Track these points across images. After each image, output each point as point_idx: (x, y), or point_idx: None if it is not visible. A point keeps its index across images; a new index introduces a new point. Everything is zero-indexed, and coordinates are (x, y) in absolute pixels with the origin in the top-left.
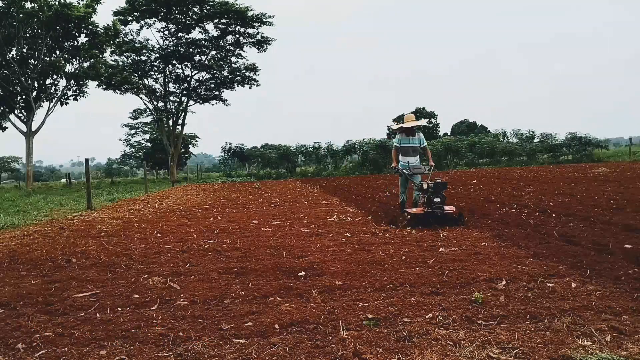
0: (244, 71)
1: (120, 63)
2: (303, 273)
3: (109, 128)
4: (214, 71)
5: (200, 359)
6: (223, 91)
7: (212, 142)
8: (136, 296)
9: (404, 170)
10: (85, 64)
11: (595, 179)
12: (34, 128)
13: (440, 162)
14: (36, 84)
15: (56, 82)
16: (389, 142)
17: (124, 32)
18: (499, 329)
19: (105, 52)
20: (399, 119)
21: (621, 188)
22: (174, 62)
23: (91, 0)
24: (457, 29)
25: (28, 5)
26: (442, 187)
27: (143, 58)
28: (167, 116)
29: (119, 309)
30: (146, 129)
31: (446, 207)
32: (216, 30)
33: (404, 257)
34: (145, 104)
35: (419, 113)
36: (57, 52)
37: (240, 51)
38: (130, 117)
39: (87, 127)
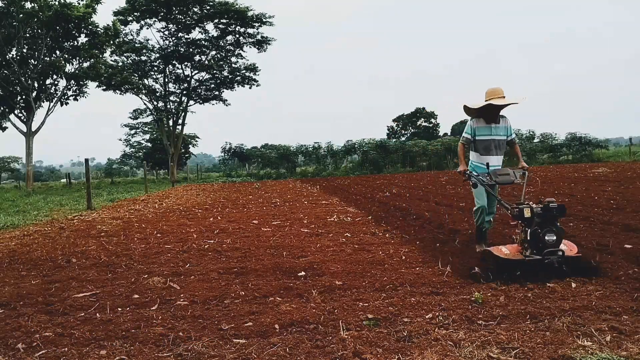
0: (244, 71)
1: (120, 63)
2: (303, 273)
3: (109, 128)
4: (214, 71)
5: (200, 359)
6: (223, 91)
7: (212, 142)
8: (136, 296)
9: (481, 178)
10: (85, 64)
11: (595, 179)
12: (34, 128)
13: (441, 162)
14: (36, 84)
15: (56, 82)
16: (389, 142)
17: (124, 32)
18: (499, 329)
19: (105, 52)
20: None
21: (621, 188)
22: (174, 62)
23: (91, 0)
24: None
25: (28, 5)
26: (559, 213)
27: (143, 58)
28: (167, 116)
29: (119, 309)
30: (146, 129)
31: (565, 248)
32: (216, 30)
33: (404, 257)
34: (145, 104)
35: (419, 113)
36: (57, 52)
37: (240, 51)
38: (130, 117)
39: (87, 127)
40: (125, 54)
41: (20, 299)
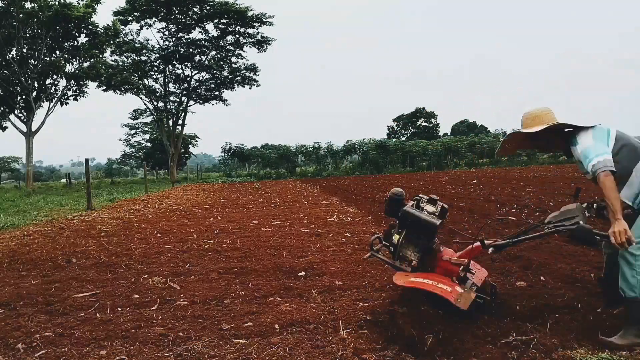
0: (244, 71)
1: (120, 63)
2: (303, 273)
3: (109, 128)
4: (214, 71)
5: (200, 359)
6: (223, 91)
7: (212, 142)
8: (136, 296)
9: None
10: (85, 64)
11: None
12: (34, 128)
13: (441, 162)
14: (36, 84)
15: (56, 82)
16: (389, 142)
17: (124, 32)
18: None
19: (105, 52)
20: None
21: None
22: (174, 62)
23: (91, 0)
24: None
25: (28, 5)
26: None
27: (143, 58)
28: (167, 116)
29: (119, 309)
30: (146, 129)
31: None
32: (216, 31)
33: None
34: (145, 104)
35: (419, 113)
36: (57, 52)
37: (240, 51)
38: (130, 117)
39: (87, 127)
40: (125, 54)
41: (20, 299)
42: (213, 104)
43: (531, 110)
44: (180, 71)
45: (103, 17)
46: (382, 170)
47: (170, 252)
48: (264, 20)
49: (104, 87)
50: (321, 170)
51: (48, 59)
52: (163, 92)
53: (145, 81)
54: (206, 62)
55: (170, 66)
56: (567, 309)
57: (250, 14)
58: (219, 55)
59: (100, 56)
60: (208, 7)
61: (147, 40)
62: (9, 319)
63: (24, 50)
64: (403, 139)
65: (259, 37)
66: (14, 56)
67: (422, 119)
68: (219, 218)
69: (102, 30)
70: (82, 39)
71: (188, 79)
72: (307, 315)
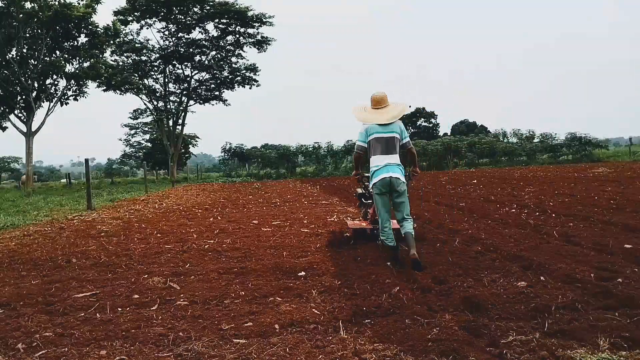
0: (244, 71)
1: (121, 63)
2: (303, 273)
3: (109, 128)
4: (214, 71)
5: (200, 359)
6: (223, 91)
7: (212, 142)
8: (136, 296)
9: None
10: (85, 64)
11: (595, 179)
12: (34, 128)
13: (441, 162)
14: (36, 84)
15: (56, 82)
16: None
17: (124, 32)
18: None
19: (105, 52)
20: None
21: (621, 188)
22: (174, 62)
23: (91, 0)
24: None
25: (28, 5)
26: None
27: (143, 58)
28: (167, 116)
29: (119, 309)
30: (146, 129)
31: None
32: (216, 31)
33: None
34: (145, 104)
35: (419, 113)
36: (57, 52)
37: (240, 51)
38: (130, 117)
39: (87, 127)
40: (125, 54)
41: (20, 299)
42: (213, 104)
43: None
44: (180, 71)
45: (103, 17)
46: None
47: (170, 252)
48: (264, 20)
49: (104, 87)
50: (321, 170)
51: (48, 59)
52: (163, 92)
53: (146, 81)
54: (206, 62)
55: (170, 66)
56: (567, 309)
57: (250, 14)
58: (219, 55)
59: (100, 56)
60: (208, 7)
61: (147, 40)
62: (9, 319)
63: (24, 50)
64: None
65: (259, 37)
66: (14, 56)
67: (422, 119)
68: (219, 218)
69: (102, 30)
70: (82, 39)
71: (188, 79)
72: (307, 315)
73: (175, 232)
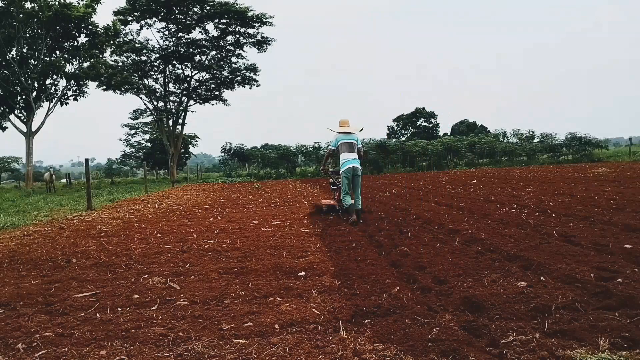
0: (244, 71)
1: (120, 63)
2: (303, 273)
3: (109, 128)
4: (214, 71)
5: (200, 359)
6: (223, 91)
7: (212, 142)
8: (136, 296)
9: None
10: (85, 64)
11: (595, 179)
12: (34, 128)
13: (441, 162)
14: (36, 84)
15: (56, 82)
16: (389, 142)
17: (124, 32)
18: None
19: (105, 52)
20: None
21: (621, 188)
22: (174, 62)
23: (91, 0)
24: (456, 28)
25: (28, 5)
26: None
27: (143, 58)
28: (167, 116)
29: (119, 309)
30: (146, 129)
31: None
32: (216, 31)
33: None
34: (145, 104)
35: (419, 113)
36: (57, 52)
37: (241, 51)
38: (130, 117)
39: (87, 127)
40: (125, 54)
41: (20, 299)
42: (213, 104)
43: (346, 119)
44: (180, 71)
45: (103, 17)
46: (382, 170)
47: (170, 252)
48: (264, 20)
49: (104, 87)
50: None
51: (48, 59)
52: (163, 92)
53: (145, 81)
54: (206, 62)
55: (170, 66)
56: (567, 309)
57: (250, 14)
58: (219, 55)
59: (100, 56)
60: (208, 7)
61: (147, 40)
62: (9, 319)
63: (24, 50)
64: (403, 139)
65: (259, 37)
66: (14, 56)
67: (422, 119)
68: (219, 218)
69: (102, 30)
70: (82, 39)
71: (188, 79)
72: (307, 315)
73: (175, 232)
